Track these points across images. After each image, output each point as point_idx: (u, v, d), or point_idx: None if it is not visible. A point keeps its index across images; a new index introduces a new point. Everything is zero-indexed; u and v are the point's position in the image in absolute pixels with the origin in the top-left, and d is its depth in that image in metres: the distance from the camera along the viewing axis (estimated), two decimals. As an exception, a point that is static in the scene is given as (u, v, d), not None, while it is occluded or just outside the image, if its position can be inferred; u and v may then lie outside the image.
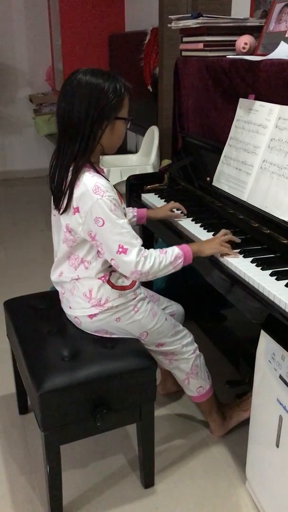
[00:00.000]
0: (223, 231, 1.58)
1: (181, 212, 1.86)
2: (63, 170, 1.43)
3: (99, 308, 1.52)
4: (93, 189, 1.38)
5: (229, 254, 1.50)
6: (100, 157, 1.51)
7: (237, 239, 1.56)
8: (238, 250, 1.53)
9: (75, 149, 1.41)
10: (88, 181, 1.39)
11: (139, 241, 1.43)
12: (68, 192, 1.41)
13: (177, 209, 1.87)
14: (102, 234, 1.39)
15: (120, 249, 1.39)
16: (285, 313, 1.24)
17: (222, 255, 1.51)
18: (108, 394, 1.45)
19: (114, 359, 1.48)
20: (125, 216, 1.49)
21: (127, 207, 1.83)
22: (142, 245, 1.44)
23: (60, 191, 1.44)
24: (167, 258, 1.45)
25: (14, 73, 5.10)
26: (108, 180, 1.45)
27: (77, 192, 1.40)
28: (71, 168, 1.41)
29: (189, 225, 1.78)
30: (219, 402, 1.82)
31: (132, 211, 1.81)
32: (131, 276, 1.43)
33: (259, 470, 1.52)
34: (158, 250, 1.46)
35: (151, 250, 1.45)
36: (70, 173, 1.41)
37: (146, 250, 1.44)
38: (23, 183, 5.34)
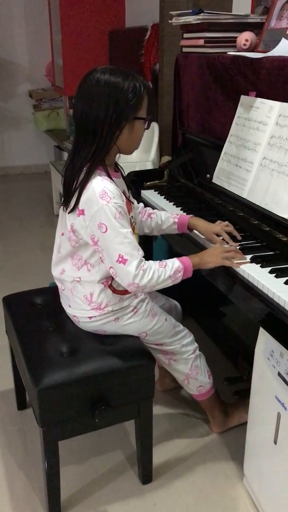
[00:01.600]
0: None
1: (231, 237, 1.60)
2: (77, 170, 1.40)
3: (98, 311, 1.52)
4: (100, 194, 1.35)
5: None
6: (118, 155, 1.48)
7: (243, 256, 1.47)
8: (237, 246, 1.53)
9: (92, 149, 1.37)
10: (97, 185, 1.37)
11: (140, 253, 1.40)
12: (77, 191, 1.39)
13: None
14: (104, 240, 1.37)
15: (120, 259, 1.36)
16: (284, 311, 1.24)
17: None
18: (107, 390, 1.46)
19: (112, 356, 1.48)
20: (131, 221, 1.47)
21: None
22: (143, 257, 1.41)
23: (70, 190, 1.41)
24: (166, 272, 1.42)
25: (13, 69, 5.09)
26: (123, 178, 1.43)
27: (85, 194, 1.37)
28: (85, 168, 1.39)
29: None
30: (221, 400, 1.81)
31: (174, 217, 1.68)
32: (128, 287, 1.40)
33: (257, 467, 1.52)
34: (157, 263, 1.43)
35: (151, 262, 1.42)
36: (83, 173, 1.39)
37: (146, 262, 1.40)
38: (22, 179, 5.33)
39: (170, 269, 1.42)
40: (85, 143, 1.39)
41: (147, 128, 1.47)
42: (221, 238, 1.58)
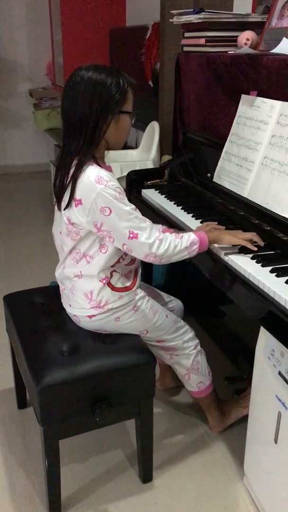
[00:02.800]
0: (250, 234, 1.54)
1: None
2: (66, 166, 1.43)
3: (98, 310, 1.52)
4: (96, 179, 1.38)
5: (248, 247, 1.47)
6: (106, 152, 1.51)
7: (261, 243, 1.50)
8: (238, 247, 1.53)
9: (80, 144, 1.40)
10: (91, 172, 1.39)
11: (148, 223, 1.43)
12: (70, 185, 1.40)
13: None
14: (111, 223, 1.39)
15: (131, 235, 1.39)
16: (285, 310, 1.24)
17: (228, 250, 1.49)
18: (107, 389, 1.46)
19: (113, 354, 1.48)
20: None
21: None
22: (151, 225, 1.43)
23: (61, 187, 1.43)
24: (182, 243, 1.45)
25: (14, 67, 5.09)
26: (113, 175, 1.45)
27: (80, 183, 1.39)
28: (74, 162, 1.41)
29: (189, 221, 1.78)
30: (218, 398, 1.82)
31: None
32: (145, 258, 1.43)
33: (257, 466, 1.53)
34: (174, 234, 1.46)
35: (167, 234, 1.45)
36: (73, 168, 1.41)
37: (162, 233, 1.43)
38: (22, 178, 5.33)
39: (187, 241, 1.45)
40: (73, 138, 1.42)
41: (133, 123, 1.50)
42: None
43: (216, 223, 1.65)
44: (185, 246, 1.45)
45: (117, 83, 1.40)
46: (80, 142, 1.40)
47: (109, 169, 1.49)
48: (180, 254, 1.45)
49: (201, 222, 1.75)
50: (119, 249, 1.45)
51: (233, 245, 1.51)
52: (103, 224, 1.39)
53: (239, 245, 1.49)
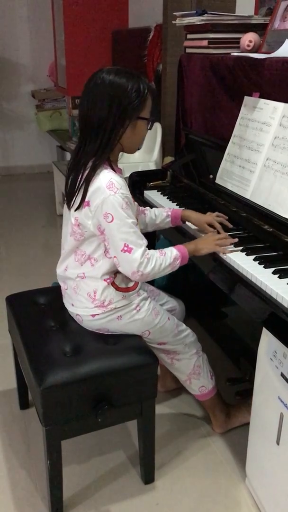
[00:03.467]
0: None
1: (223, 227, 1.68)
2: (81, 167, 1.43)
3: (102, 309, 1.52)
4: (107, 184, 1.38)
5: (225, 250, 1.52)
6: (120, 154, 1.51)
7: (232, 239, 1.55)
8: (240, 248, 1.53)
9: (95, 147, 1.41)
10: (104, 176, 1.40)
11: (144, 242, 1.44)
12: (83, 187, 1.41)
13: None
14: (110, 230, 1.40)
15: (125, 248, 1.39)
16: (287, 311, 1.24)
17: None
18: (110, 390, 1.46)
19: (115, 355, 1.49)
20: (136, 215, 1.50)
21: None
22: (146, 246, 1.44)
23: (73, 188, 1.44)
24: (166, 260, 1.47)
25: (17, 69, 5.10)
26: (124, 179, 1.46)
27: (92, 186, 1.40)
28: (89, 165, 1.41)
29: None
30: (223, 401, 1.81)
31: (166, 211, 1.75)
32: (132, 276, 1.44)
33: (259, 467, 1.53)
34: (158, 251, 1.47)
35: (152, 251, 1.46)
36: (87, 170, 1.41)
37: (149, 251, 1.44)
38: (24, 179, 5.34)
39: (170, 257, 1.48)
40: (90, 140, 1.42)
41: (150, 129, 1.50)
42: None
43: (227, 217, 1.68)
44: (169, 262, 1.48)
45: (138, 88, 1.39)
46: (96, 144, 1.40)
47: (119, 171, 1.50)
48: (164, 270, 1.48)
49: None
50: None
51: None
52: (105, 229, 1.40)
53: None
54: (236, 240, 1.56)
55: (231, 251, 1.51)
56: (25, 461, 1.73)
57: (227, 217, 1.70)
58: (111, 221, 1.38)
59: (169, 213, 1.73)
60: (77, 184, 1.43)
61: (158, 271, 1.46)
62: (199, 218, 1.68)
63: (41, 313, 1.68)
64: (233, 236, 1.59)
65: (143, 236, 1.45)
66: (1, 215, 4.20)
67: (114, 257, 1.43)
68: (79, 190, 1.42)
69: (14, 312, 1.72)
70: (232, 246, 1.54)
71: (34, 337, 1.57)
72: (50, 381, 1.38)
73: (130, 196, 1.43)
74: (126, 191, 1.41)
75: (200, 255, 1.54)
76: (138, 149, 1.54)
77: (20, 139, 5.34)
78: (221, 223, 1.66)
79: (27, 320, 1.66)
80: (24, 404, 1.95)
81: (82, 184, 1.41)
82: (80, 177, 1.42)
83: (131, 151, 1.52)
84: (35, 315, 1.68)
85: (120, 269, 1.45)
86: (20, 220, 4.09)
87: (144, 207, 1.79)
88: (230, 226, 1.66)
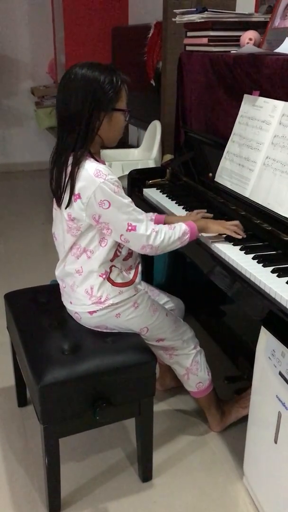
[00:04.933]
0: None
1: None
2: (62, 164, 1.43)
3: (99, 305, 1.52)
4: (95, 173, 1.39)
5: (234, 234, 1.56)
6: (101, 151, 1.52)
7: (243, 234, 1.59)
8: (239, 247, 1.53)
9: (74, 141, 1.42)
10: (89, 166, 1.40)
11: (144, 216, 1.46)
12: (69, 184, 1.41)
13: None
14: (109, 215, 1.41)
15: (130, 227, 1.42)
16: (285, 310, 1.24)
17: (215, 239, 1.58)
18: (108, 388, 1.46)
19: (114, 353, 1.49)
20: None
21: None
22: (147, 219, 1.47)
23: (59, 187, 1.44)
24: (175, 234, 1.49)
25: (16, 65, 5.08)
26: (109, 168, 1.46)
27: (79, 179, 1.40)
28: (69, 162, 1.42)
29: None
30: (218, 398, 1.82)
31: (150, 216, 1.73)
32: (142, 250, 1.46)
33: (257, 466, 1.53)
34: (167, 226, 1.50)
35: (161, 225, 1.49)
36: (69, 166, 1.41)
37: (157, 225, 1.47)
38: (23, 176, 5.33)
39: (179, 231, 1.50)
40: (67, 134, 1.43)
41: (127, 120, 1.51)
42: None
43: (205, 210, 1.73)
44: (178, 236, 1.50)
45: (111, 80, 1.40)
46: (74, 138, 1.41)
47: (102, 162, 1.50)
48: (174, 244, 1.50)
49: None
50: (116, 241, 1.47)
51: (219, 234, 1.59)
52: (101, 216, 1.41)
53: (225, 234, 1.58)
54: (244, 235, 1.59)
55: (240, 235, 1.56)
56: (23, 459, 1.73)
57: (205, 210, 1.75)
58: (108, 207, 1.39)
59: (153, 217, 1.73)
60: (62, 183, 1.43)
61: (167, 244, 1.48)
62: (180, 219, 1.69)
63: (40, 311, 1.68)
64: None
65: (141, 211, 1.47)
66: (0, 212, 4.20)
67: (121, 235, 1.44)
68: (65, 188, 1.43)
69: (13, 310, 1.71)
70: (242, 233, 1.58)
71: (32, 335, 1.57)
72: (48, 379, 1.38)
73: (117, 179, 1.44)
74: (114, 176, 1.43)
75: (210, 232, 1.58)
76: (118, 139, 1.53)
77: (19, 136, 5.33)
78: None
79: (26, 317, 1.66)
80: (22, 401, 1.95)
81: (67, 182, 1.42)
82: (63, 175, 1.43)
83: (111, 143, 1.52)
84: (33, 312, 1.68)
85: (129, 245, 1.47)
86: (19, 217, 4.09)
87: (143, 205, 1.79)
88: (211, 215, 1.70)
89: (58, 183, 1.45)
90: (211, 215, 1.71)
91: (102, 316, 1.54)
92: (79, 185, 1.40)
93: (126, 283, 1.54)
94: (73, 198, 1.42)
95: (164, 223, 1.71)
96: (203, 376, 1.73)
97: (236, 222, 1.61)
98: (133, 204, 1.44)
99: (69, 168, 1.42)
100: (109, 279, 1.51)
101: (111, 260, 1.51)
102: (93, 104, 1.39)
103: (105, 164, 1.51)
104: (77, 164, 1.40)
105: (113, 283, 1.52)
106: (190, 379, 1.72)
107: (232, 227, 1.58)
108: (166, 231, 1.47)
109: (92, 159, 1.43)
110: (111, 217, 1.41)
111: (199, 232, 1.56)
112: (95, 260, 1.49)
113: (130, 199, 1.44)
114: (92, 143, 1.45)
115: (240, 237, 1.56)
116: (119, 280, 1.53)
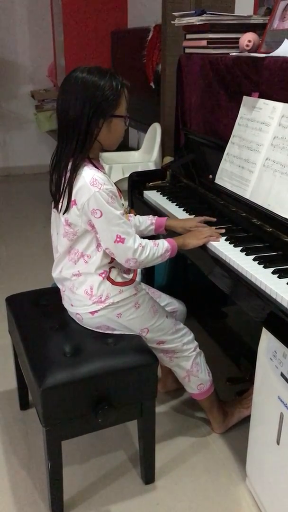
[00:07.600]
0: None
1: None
2: (61, 169, 1.44)
3: (100, 305, 1.53)
4: (91, 181, 1.40)
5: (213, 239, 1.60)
6: (100, 153, 1.53)
7: (219, 236, 1.61)
8: (240, 248, 1.53)
9: (73, 146, 1.42)
10: (86, 174, 1.41)
11: (133, 230, 1.49)
12: (67, 190, 1.42)
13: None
14: (100, 225, 1.43)
15: (118, 239, 1.43)
16: (286, 311, 1.24)
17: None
18: (110, 390, 1.46)
19: (116, 356, 1.49)
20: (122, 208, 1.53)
21: (129, 204, 1.82)
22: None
23: (58, 192, 1.45)
24: (158, 251, 1.53)
25: (16, 69, 5.09)
26: (106, 174, 1.47)
27: (76, 186, 1.42)
28: (69, 167, 1.42)
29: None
30: (220, 399, 1.82)
31: (150, 219, 1.75)
32: (126, 263, 1.48)
33: (259, 467, 1.53)
34: (151, 241, 1.52)
35: (147, 240, 1.51)
36: (68, 172, 1.42)
37: (143, 240, 1.49)
38: (24, 179, 5.34)
39: (162, 248, 1.54)
40: (67, 140, 1.43)
41: (127, 126, 1.51)
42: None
43: (214, 219, 1.72)
44: (160, 253, 1.53)
45: (111, 85, 1.40)
46: (73, 144, 1.42)
47: (101, 167, 1.51)
48: (156, 260, 1.54)
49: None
50: None
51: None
52: (95, 224, 1.43)
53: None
54: (223, 231, 1.62)
55: (218, 238, 1.59)
56: (26, 462, 1.73)
57: (215, 219, 1.73)
58: (100, 216, 1.41)
59: (153, 221, 1.74)
60: (61, 188, 1.44)
61: (151, 260, 1.51)
62: (183, 225, 1.70)
63: (41, 314, 1.68)
64: (233, 235, 1.59)
65: (131, 225, 1.50)
66: (1, 215, 4.20)
67: (107, 248, 1.46)
68: (64, 194, 1.44)
69: (14, 313, 1.72)
70: (221, 237, 1.61)
71: (34, 338, 1.57)
72: (50, 382, 1.38)
73: (115, 189, 1.46)
74: (110, 186, 1.44)
75: (187, 249, 1.59)
76: (117, 144, 1.54)
77: (19, 139, 5.34)
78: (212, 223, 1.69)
79: (27, 320, 1.66)
80: (24, 404, 1.95)
81: (66, 188, 1.43)
82: (63, 180, 1.44)
83: (111, 148, 1.53)
84: (35, 315, 1.68)
85: (115, 257, 1.48)
86: (20, 221, 4.09)
87: (144, 207, 1.80)
88: (214, 220, 1.71)
89: (57, 188, 1.46)
90: (215, 219, 1.71)
91: (103, 316, 1.54)
92: (75, 192, 1.42)
93: (126, 282, 1.55)
94: (70, 204, 1.43)
95: (165, 227, 1.73)
96: (204, 378, 1.73)
97: (211, 228, 1.62)
98: (124, 217, 1.45)
99: (68, 174, 1.43)
100: (109, 278, 1.53)
101: (110, 262, 1.52)
102: (92, 109, 1.39)
103: (104, 169, 1.52)
104: (75, 171, 1.42)
105: (113, 282, 1.53)
106: (191, 381, 1.72)
107: (206, 234, 1.59)
108: (151, 247, 1.50)
109: (90, 165, 1.44)
110: (100, 227, 1.43)
111: (179, 249, 1.58)
112: (93, 264, 1.51)
113: (122, 211, 1.46)
114: (91, 149, 1.45)
115: (219, 240, 1.58)
116: (119, 279, 1.54)
